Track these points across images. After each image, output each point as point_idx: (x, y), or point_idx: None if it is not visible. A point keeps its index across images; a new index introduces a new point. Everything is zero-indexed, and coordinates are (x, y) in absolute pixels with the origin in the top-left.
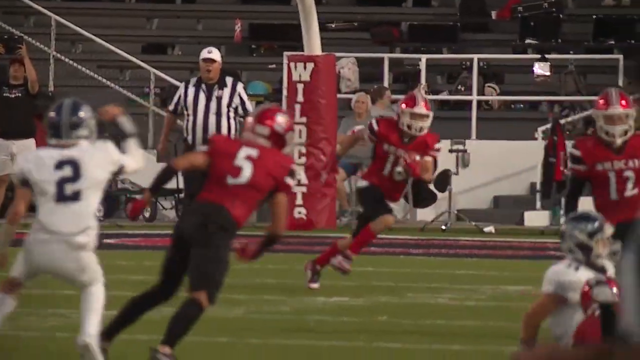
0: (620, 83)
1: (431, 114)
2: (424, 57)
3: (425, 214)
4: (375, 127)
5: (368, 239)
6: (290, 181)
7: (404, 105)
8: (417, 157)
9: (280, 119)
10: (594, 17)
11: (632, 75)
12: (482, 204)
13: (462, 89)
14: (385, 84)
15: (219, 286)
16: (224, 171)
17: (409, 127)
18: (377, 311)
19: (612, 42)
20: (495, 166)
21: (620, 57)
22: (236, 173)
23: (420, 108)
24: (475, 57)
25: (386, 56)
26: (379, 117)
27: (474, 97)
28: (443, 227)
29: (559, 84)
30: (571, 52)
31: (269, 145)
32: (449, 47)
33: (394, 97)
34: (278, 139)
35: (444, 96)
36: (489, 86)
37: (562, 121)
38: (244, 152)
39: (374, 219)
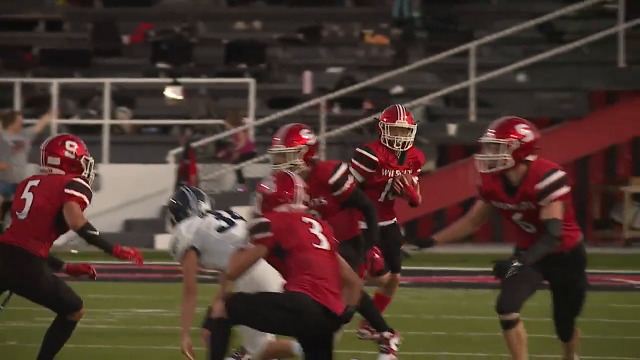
0: (252, 106)
1: (414, 127)
2: (55, 82)
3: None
4: (374, 157)
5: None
6: (69, 190)
7: (384, 119)
8: (415, 179)
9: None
10: (225, 41)
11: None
12: (113, 227)
13: (94, 113)
14: (17, 108)
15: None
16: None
17: (391, 142)
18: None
19: (244, 65)
20: (127, 189)
21: (252, 80)
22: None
23: (402, 122)
24: (107, 81)
25: (17, 81)
26: (13, 142)
27: (106, 121)
28: (74, 251)
29: (190, 107)
30: (203, 75)
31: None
32: (81, 71)
33: (26, 121)
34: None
35: (75, 120)
36: (120, 110)
37: (194, 144)
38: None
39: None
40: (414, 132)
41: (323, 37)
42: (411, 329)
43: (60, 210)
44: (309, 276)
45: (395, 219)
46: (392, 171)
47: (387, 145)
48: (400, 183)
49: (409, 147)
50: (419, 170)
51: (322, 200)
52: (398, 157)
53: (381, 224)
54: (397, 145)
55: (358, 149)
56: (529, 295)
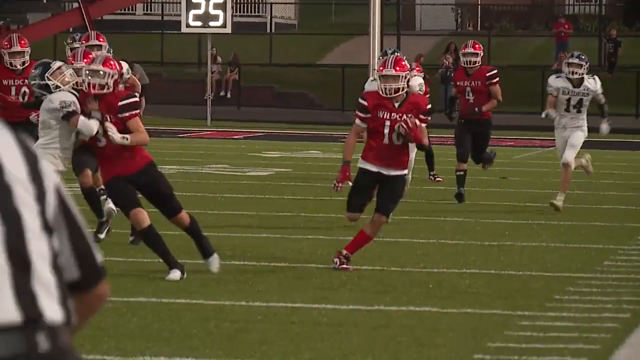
0: None
1: (403, 74)
2: None
3: None
4: (364, 102)
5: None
6: None
7: (379, 70)
8: (417, 122)
9: None
10: None
11: None
12: None
13: None
14: None
15: None
16: None
17: (382, 90)
18: None
19: None
20: None
21: None
22: None
23: (389, 70)
24: None
25: None
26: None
27: None
28: None
29: None
30: None
31: None
32: None
33: None
34: None
35: None
36: None
37: None
38: None
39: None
40: (406, 78)
41: None
42: None
43: None
44: None
45: (405, 171)
46: (389, 113)
47: (381, 92)
48: (404, 125)
49: (399, 93)
50: (421, 115)
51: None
52: (396, 102)
53: (391, 172)
54: (389, 92)
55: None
56: None
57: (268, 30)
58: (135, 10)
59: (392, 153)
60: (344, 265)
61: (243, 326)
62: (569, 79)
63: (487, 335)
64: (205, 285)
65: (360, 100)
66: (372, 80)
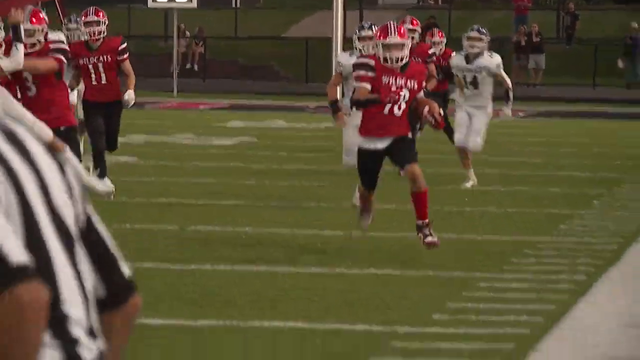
0: None
1: (407, 41)
2: None
3: None
4: (369, 61)
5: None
6: None
7: (379, 38)
8: (441, 112)
9: None
10: None
11: None
12: None
13: None
14: None
15: None
16: None
17: (386, 59)
18: None
19: None
20: None
21: None
22: None
23: (393, 37)
24: None
25: None
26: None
27: None
28: None
29: None
30: None
31: None
32: None
33: None
34: None
35: None
36: None
37: None
38: None
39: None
40: (408, 45)
41: None
42: None
43: None
44: None
45: (409, 134)
46: (394, 79)
47: (383, 62)
48: (429, 118)
49: (404, 61)
50: (423, 84)
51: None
52: (399, 69)
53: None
54: (394, 61)
55: (355, 62)
56: None
57: (233, 5)
58: None
59: (396, 121)
60: (432, 239)
61: (208, 290)
62: (466, 55)
63: (447, 296)
64: (171, 250)
65: (363, 60)
66: (345, 53)
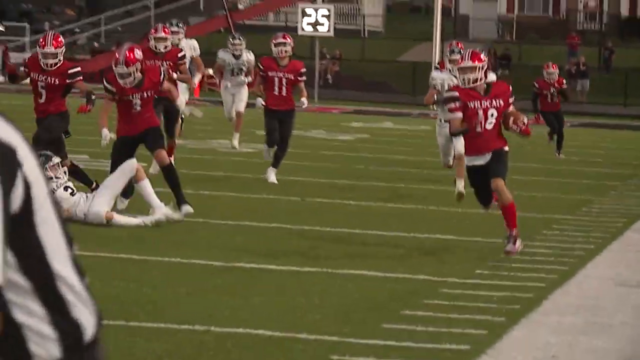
0: None
1: (478, 64)
2: None
3: None
4: (454, 93)
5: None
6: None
7: (457, 64)
8: (525, 120)
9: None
10: None
11: None
12: None
13: None
14: None
15: None
16: None
17: (463, 82)
18: None
19: None
20: None
21: None
22: None
23: (465, 62)
24: None
25: None
26: None
27: None
28: None
29: None
30: None
31: None
32: None
33: None
34: None
35: None
36: None
37: None
38: None
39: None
40: (483, 69)
41: None
42: None
43: None
44: None
45: (506, 147)
46: (479, 102)
47: (460, 84)
48: (514, 127)
49: (478, 83)
50: (509, 100)
51: None
52: (481, 92)
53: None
54: (468, 83)
55: (444, 97)
56: None
57: (362, 35)
58: (267, 18)
59: (489, 138)
60: (510, 248)
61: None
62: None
63: (488, 256)
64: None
65: (448, 94)
66: (435, 69)
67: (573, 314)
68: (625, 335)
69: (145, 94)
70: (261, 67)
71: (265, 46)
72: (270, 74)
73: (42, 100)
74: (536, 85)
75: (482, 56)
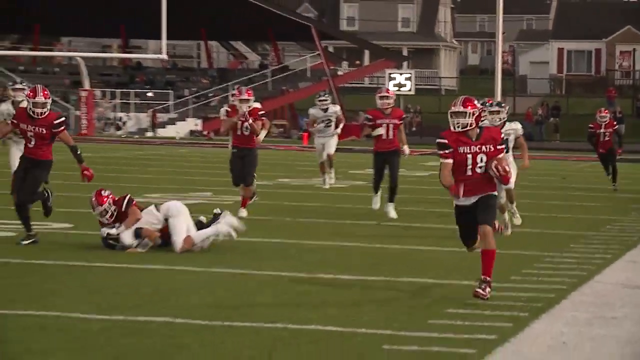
0: None
1: (470, 110)
2: None
3: None
4: (443, 139)
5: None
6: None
7: (449, 108)
8: (507, 167)
9: None
10: None
11: None
12: None
13: None
14: None
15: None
16: None
17: (453, 126)
18: None
19: None
20: None
21: None
22: None
23: (458, 107)
24: None
25: None
26: None
27: None
28: None
29: None
30: None
31: None
32: None
33: None
34: None
35: None
36: None
37: None
38: None
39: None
40: (474, 115)
41: None
42: None
43: None
44: None
45: (494, 192)
46: (468, 147)
47: (452, 128)
48: (494, 170)
49: (467, 128)
50: (499, 146)
51: None
52: (472, 137)
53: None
54: (457, 127)
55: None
56: None
57: (440, 93)
58: (364, 81)
59: (478, 182)
60: (480, 292)
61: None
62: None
63: (521, 266)
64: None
65: (439, 141)
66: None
67: (585, 310)
68: (626, 326)
69: None
70: (369, 117)
71: (361, 102)
72: (378, 121)
73: (31, 146)
74: (591, 126)
75: (476, 103)
